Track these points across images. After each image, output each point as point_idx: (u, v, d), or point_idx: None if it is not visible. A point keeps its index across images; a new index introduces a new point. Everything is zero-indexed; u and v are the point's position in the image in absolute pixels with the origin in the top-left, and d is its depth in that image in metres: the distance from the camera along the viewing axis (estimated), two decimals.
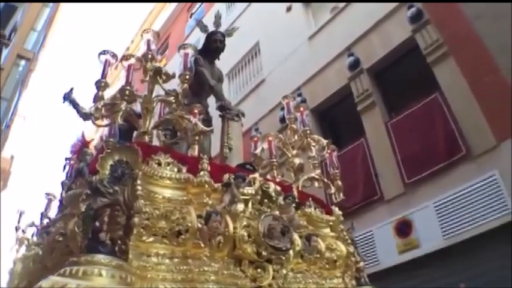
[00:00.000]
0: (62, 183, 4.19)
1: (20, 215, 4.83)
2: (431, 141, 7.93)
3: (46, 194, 4.65)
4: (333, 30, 10.90)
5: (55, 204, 4.60)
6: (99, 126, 3.40)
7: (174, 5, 20.47)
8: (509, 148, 6.81)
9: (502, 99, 7.10)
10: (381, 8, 9.67)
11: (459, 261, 6.86)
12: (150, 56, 3.44)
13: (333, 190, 4.38)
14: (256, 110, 11.21)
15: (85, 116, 4.62)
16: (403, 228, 7.77)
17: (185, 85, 3.42)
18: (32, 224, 4.57)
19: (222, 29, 5.47)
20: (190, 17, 18.49)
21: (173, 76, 3.49)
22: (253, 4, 14.29)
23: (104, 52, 3.47)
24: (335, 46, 10.42)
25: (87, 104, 3.41)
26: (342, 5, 11.01)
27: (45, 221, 4.36)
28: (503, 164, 6.80)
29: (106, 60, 3.45)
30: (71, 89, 4.49)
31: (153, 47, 3.54)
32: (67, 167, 4.37)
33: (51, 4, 18.41)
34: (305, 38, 11.69)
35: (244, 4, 14.80)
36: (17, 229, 4.65)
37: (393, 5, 9.43)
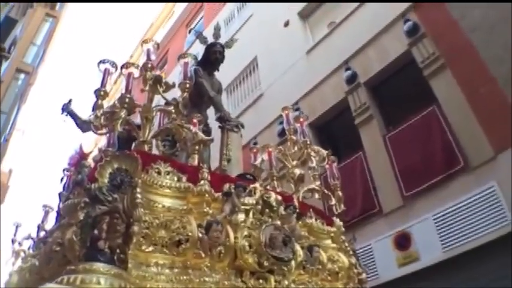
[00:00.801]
0: (60, 195, 4.13)
1: (17, 228, 4.76)
2: (429, 153, 7.89)
3: (43, 206, 4.60)
4: (330, 45, 10.92)
5: (52, 217, 4.56)
6: (99, 134, 3.34)
7: (173, 20, 20.56)
8: (507, 159, 6.77)
9: (498, 111, 7.10)
10: (377, 22, 9.70)
11: (459, 273, 6.78)
12: (149, 65, 3.41)
13: (333, 201, 4.32)
14: (255, 124, 11.13)
15: (83, 128, 4.60)
16: (402, 241, 7.68)
17: (185, 94, 3.38)
18: (29, 237, 4.51)
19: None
20: (189, 32, 18.54)
21: (173, 85, 3.45)
22: (251, 19, 14.35)
23: (103, 61, 3.44)
24: (332, 60, 10.41)
25: (86, 117, 3.34)
26: (338, 19, 11.06)
27: (42, 233, 4.30)
28: (501, 175, 6.75)
29: (105, 69, 3.42)
30: (70, 101, 4.46)
31: (152, 57, 3.51)
32: (65, 178, 4.31)
33: (51, 19, 18.42)
34: (303, 53, 11.69)
35: (243, 19, 14.89)
36: (13, 242, 4.58)
37: (389, 19, 9.47)
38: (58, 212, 4.20)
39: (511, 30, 6.96)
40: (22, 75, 16.95)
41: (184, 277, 2.65)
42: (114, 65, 3.48)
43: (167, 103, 3.45)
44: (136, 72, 3.45)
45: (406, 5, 9.25)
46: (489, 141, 7.14)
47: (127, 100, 3.14)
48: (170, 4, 22.01)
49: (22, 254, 4.26)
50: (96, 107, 3.21)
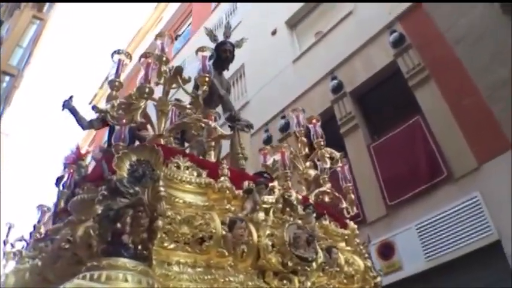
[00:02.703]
0: (59, 193, 3.94)
1: (9, 229, 4.50)
2: (413, 163, 7.84)
3: (39, 206, 4.36)
4: (317, 54, 10.84)
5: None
6: (114, 124, 3.15)
7: (160, 26, 20.31)
8: (491, 170, 6.80)
9: (482, 122, 7.12)
10: (363, 33, 9.68)
11: (442, 283, 6.74)
12: (164, 58, 3.25)
13: (344, 204, 4.22)
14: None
15: (84, 124, 4.41)
16: (386, 251, 7.58)
17: (205, 87, 3.22)
18: (21, 238, 4.26)
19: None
20: (176, 39, 18.31)
21: (189, 80, 3.29)
22: (239, 26, 14.22)
23: (117, 51, 3.27)
24: (319, 69, 10.35)
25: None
26: (325, 29, 11.02)
27: (37, 234, 4.08)
28: (484, 186, 6.76)
29: (119, 60, 3.24)
30: (71, 97, 4.28)
31: (167, 50, 3.36)
32: (65, 176, 4.10)
33: (38, 21, 17.95)
34: (289, 62, 11.59)
35: (231, 26, 14.74)
36: (5, 243, 4.32)
37: (376, 29, 9.46)
38: (55, 212, 4.01)
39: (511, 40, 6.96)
40: (7, 78, 16.41)
41: (208, 276, 2.47)
42: (128, 55, 3.31)
43: (177, 99, 3.28)
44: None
45: (392, 16, 9.27)
46: (473, 151, 7.14)
47: (147, 90, 2.96)
48: (159, 9, 21.79)
49: (17, 255, 4.00)
50: (110, 97, 3.03)
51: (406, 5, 9.11)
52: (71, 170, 4.04)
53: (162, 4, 21.61)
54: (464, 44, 7.76)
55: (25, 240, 4.21)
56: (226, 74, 13.30)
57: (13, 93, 18.45)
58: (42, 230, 4.11)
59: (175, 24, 19.39)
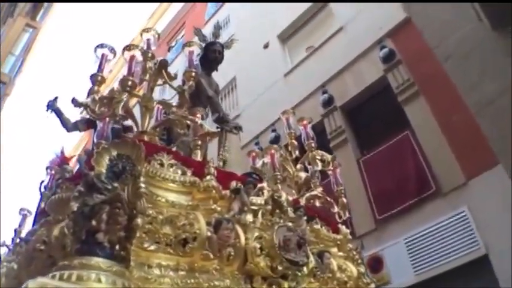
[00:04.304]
0: (41, 194, 3.73)
1: None
2: (402, 178, 7.72)
3: (20, 209, 4.14)
4: (308, 68, 10.74)
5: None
6: (94, 119, 2.95)
7: None
8: (478, 185, 6.72)
9: (470, 138, 7.01)
10: (354, 48, 9.62)
11: None
12: (150, 55, 3.08)
13: (336, 209, 4.04)
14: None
15: (68, 126, 4.22)
16: (374, 265, 7.39)
17: (191, 82, 3.04)
18: (3, 244, 4.04)
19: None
20: (169, 50, 18.20)
21: (175, 77, 3.12)
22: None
23: (101, 45, 3.09)
24: (310, 83, 10.24)
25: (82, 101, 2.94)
26: (317, 44, 10.94)
27: (18, 239, 3.86)
28: (472, 201, 6.67)
29: (103, 55, 3.06)
30: (55, 98, 4.08)
31: (153, 47, 3.18)
32: (47, 178, 3.91)
33: (31, 29, 17.77)
34: (281, 75, 11.47)
35: (223, 38, 14.65)
36: None
37: (366, 45, 9.41)
38: (37, 214, 3.82)
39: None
40: None
41: (192, 280, 2.24)
42: (112, 50, 3.14)
43: (174, 89, 3.06)
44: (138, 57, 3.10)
45: (382, 32, 9.22)
46: (461, 167, 7.05)
47: (129, 83, 2.77)
48: (152, 21, 21.65)
49: None
50: (91, 91, 2.83)
51: (397, 21, 9.07)
52: (53, 172, 3.84)
53: (156, 15, 21.51)
54: (454, 60, 7.68)
55: (7, 246, 4.00)
56: (220, 84, 13.16)
57: (4, 101, 18.17)
58: (23, 235, 3.90)
59: (168, 36, 19.19)
